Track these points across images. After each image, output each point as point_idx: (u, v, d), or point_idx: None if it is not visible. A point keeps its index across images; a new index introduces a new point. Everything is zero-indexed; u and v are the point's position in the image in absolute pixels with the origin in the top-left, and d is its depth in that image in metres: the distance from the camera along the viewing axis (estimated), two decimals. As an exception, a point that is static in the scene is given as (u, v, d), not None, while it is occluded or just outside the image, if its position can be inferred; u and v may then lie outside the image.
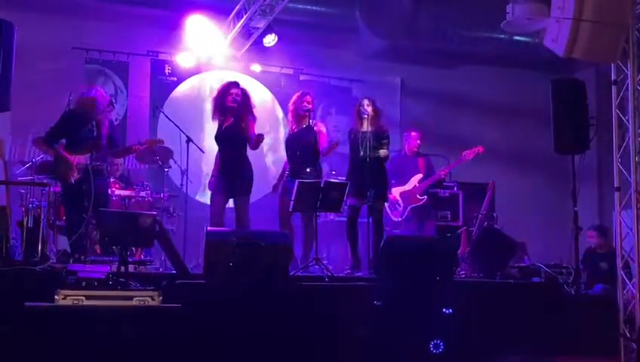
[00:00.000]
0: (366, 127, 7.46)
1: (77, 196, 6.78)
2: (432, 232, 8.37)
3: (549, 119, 7.23)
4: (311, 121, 7.48)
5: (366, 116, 7.47)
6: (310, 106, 7.50)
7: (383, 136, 7.49)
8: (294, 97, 7.68)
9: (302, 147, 7.43)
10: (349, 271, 7.41)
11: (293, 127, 7.63)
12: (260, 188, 7.96)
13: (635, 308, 6.50)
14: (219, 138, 7.37)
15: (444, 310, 6.19)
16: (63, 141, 7.01)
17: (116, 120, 9.27)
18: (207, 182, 7.44)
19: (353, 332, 5.90)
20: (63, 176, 6.88)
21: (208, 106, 7.64)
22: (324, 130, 7.63)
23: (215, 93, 7.58)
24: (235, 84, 7.48)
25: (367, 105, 7.51)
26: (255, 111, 7.48)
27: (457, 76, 11.46)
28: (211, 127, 7.49)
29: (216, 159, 7.47)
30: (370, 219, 7.45)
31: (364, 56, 10.72)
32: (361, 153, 7.31)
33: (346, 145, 7.83)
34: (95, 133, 6.96)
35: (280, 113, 10.45)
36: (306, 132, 7.45)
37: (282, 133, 10.05)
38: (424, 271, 6.32)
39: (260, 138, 7.22)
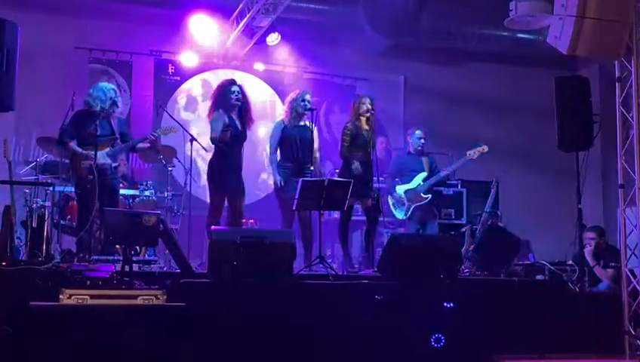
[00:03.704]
0: (366, 125, 7.51)
1: (91, 195, 6.81)
2: (435, 230, 8.36)
3: (552, 116, 7.22)
4: (310, 121, 7.46)
5: (368, 115, 7.51)
6: (310, 105, 7.49)
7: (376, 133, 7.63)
8: (293, 94, 7.63)
9: (303, 145, 7.42)
10: (357, 266, 7.45)
11: (289, 123, 7.55)
12: (262, 188, 7.96)
13: (640, 306, 6.50)
14: (219, 136, 7.30)
15: (445, 304, 6.19)
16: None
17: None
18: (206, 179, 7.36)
19: (356, 327, 5.91)
20: (80, 174, 6.91)
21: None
22: (317, 135, 7.68)
23: (214, 91, 7.56)
24: (234, 82, 7.47)
25: (370, 104, 7.55)
26: (252, 109, 7.53)
27: (461, 74, 11.46)
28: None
29: (213, 157, 7.42)
30: (372, 217, 7.50)
31: (368, 54, 10.72)
32: (368, 150, 7.38)
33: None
34: (108, 129, 7.07)
35: (283, 112, 10.44)
36: (305, 130, 7.44)
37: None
38: (428, 269, 6.33)
39: None
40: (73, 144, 6.98)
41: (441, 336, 6.09)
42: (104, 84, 7.35)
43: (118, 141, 7.16)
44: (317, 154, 7.59)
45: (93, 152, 6.83)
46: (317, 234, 6.98)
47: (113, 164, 7.07)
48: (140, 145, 7.31)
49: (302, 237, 7.34)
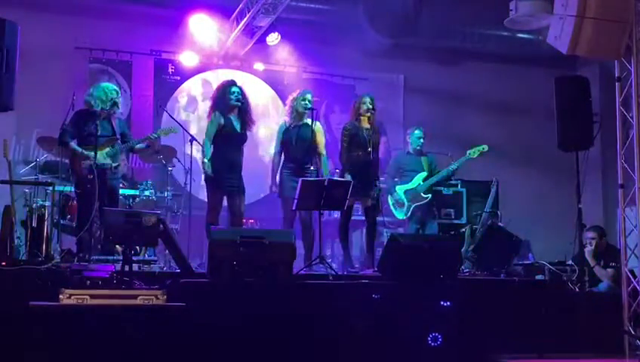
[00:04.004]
0: (367, 124, 7.51)
1: (90, 195, 6.82)
2: (435, 230, 8.35)
3: (552, 116, 7.23)
4: (311, 120, 7.47)
5: (369, 114, 7.52)
6: (310, 105, 7.51)
7: (380, 132, 7.59)
8: (295, 93, 7.68)
9: (303, 145, 7.43)
10: (357, 266, 7.45)
11: (291, 123, 7.60)
12: (262, 188, 7.97)
13: (640, 306, 6.50)
14: (221, 136, 7.34)
15: (442, 303, 6.19)
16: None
17: (120, 119, 9.32)
18: (204, 169, 7.38)
19: (354, 326, 5.91)
20: (80, 174, 6.92)
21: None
22: (323, 132, 7.68)
23: (214, 92, 7.60)
24: (234, 83, 7.50)
25: (370, 103, 7.55)
26: (253, 110, 7.55)
27: (460, 73, 11.45)
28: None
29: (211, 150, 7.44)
30: (371, 217, 7.50)
31: (368, 54, 10.72)
32: (368, 150, 7.36)
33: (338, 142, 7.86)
34: (108, 130, 7.10)
35: (283, 112, 10.43)
36: (306, 130, 7.46)
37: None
38: (428, 269, 6.32)
39: None
40: (73, 144, 7.00)
41: (439, 335, 6.09)
42: (105, 84, 7.36)
43: (119, 141, 7.17)
44: (324, 151, 7.60)
45: (92, 152, 6.83)
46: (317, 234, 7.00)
47: (113, 165, 7.08)
48: (139, 145, 7.33)
49: (303, 237, 7.35)
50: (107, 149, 7.06)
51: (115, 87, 7.35)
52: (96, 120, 6.95)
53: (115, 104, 7.14)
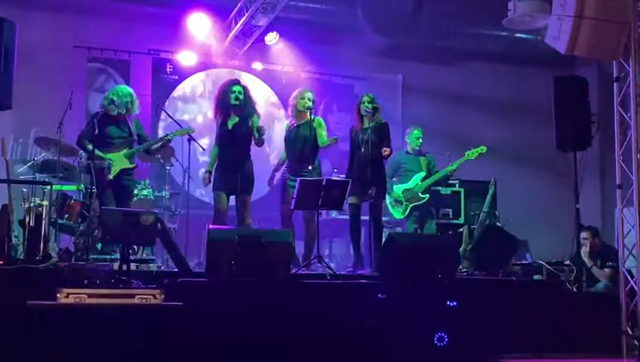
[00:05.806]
0: (367, 124, 7.48)
1: (109, 195, 6.98)
2: (433, 230, 8.35)
3: (550, 116, 7.23)
4: (311, 118, 7.47)
5: (367, 114, 7.49)
6: (311, 103, 7.52)
7: (384, 132, 7.50)
8: (295, 92, 7.72)
9: (302, 144, 7.45)
10: (350, 268, 7.42)
11: (293, 123, 7.65)
12: (262, 187, 7.98)
13: (637, 306, 6.50)
14: (222, 136, 7.37)
15: (448, 303, 6.18)
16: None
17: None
18: (202, 178, 7.49)
19: (357, 326, 5.91)
20: (101, 176, 7.00)
21: (210, 104, 7.66)
22: (323, 124, 7.65)
23: (216, 92, 7.62)
24: (236, 82, 7.52)
25: (368, 103, 7.52)
26: (257, 108, 7.55)
27: (459, 73, 11.45)
28: (213, 125, 7.52)
29: (216, 157, 7.47)
30: (372, 216, 7.47)
31: (366, 53, 10.72)
32: (362, 150, 7.31)
33: (346, 143, 7.83)
34: (125, 132, 7.21)
35: (282, 111, 10.44)
36: (305, 128, 7.46)
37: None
38: (426, 268, 6.32)
39: (262, 131, 7.25)
40: (89, 146, 7.06)
41: (445, 335, 6.09)
42: (120, 87, 7.54)
43: (136, 143, 7.24)
44: (323, 140, 7.53)
45: (101, 154, 6.96)
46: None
47: (107, 166, 7.10)
48: (155, 146, 7.40)
49: (304, 233, 7.35)
50: (124, 151, 7.11)
51: (130, 91, 7.44)
52: (109, 122, 7.05)
53: (127, 107, 7.20)
